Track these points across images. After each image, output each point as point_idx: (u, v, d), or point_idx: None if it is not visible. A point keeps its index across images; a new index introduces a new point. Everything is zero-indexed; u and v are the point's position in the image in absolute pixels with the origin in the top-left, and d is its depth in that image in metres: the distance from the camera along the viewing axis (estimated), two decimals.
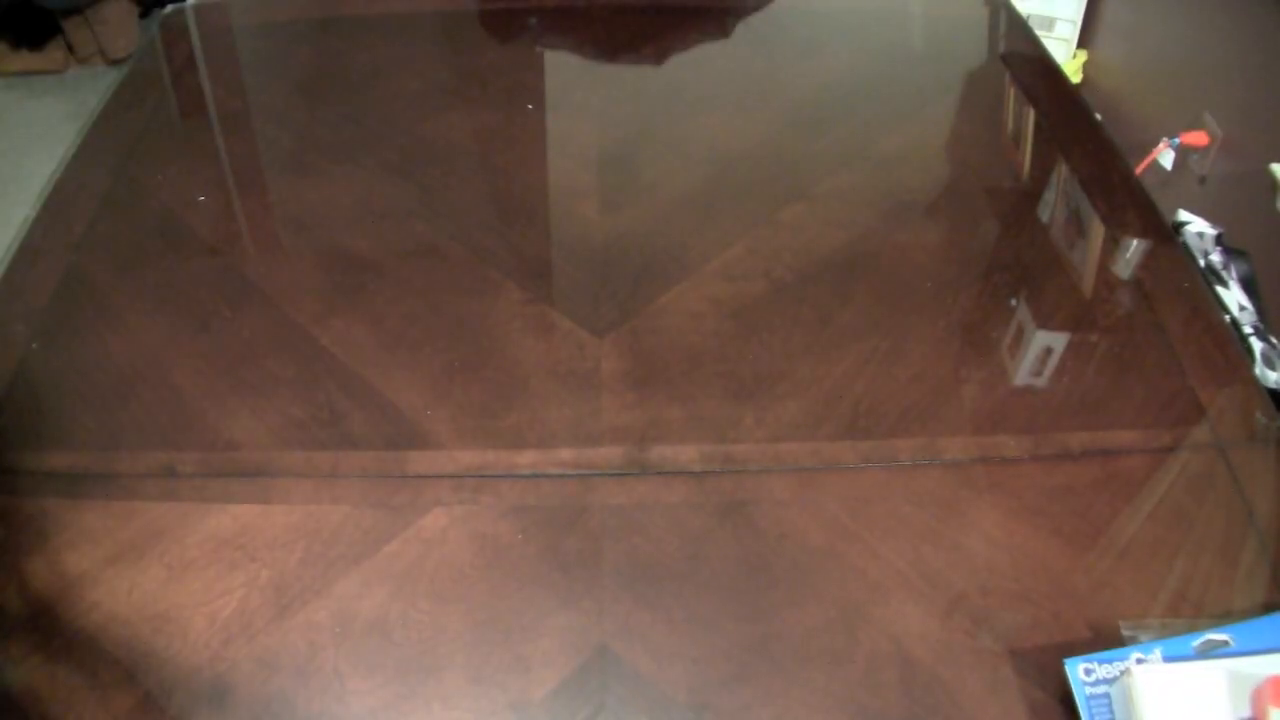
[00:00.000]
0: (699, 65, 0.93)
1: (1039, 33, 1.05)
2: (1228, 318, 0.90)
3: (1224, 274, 1.01)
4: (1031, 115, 0.89)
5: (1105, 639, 0.48)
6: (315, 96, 0.90)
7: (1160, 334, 0.66)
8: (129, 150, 0.82)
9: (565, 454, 0.55)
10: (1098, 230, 0.76)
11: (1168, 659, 0.45)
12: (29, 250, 0.71)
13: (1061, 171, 0.82)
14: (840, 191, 0.77)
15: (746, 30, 0.97)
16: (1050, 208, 0.79)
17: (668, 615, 0.48)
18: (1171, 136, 1.56)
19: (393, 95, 0.87)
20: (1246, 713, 0.41)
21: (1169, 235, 0.76)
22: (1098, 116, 0.89)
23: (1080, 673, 0.45)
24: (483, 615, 0.48)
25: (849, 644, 0.48)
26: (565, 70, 0.89)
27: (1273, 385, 0.90)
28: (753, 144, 0.82)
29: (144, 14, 2.17)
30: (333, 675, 0.47)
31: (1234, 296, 0.99)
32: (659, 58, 0.93)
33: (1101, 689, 0.45)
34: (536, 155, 0.78)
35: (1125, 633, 0.48)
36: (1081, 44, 1.90)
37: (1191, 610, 0.50)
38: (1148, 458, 0.58)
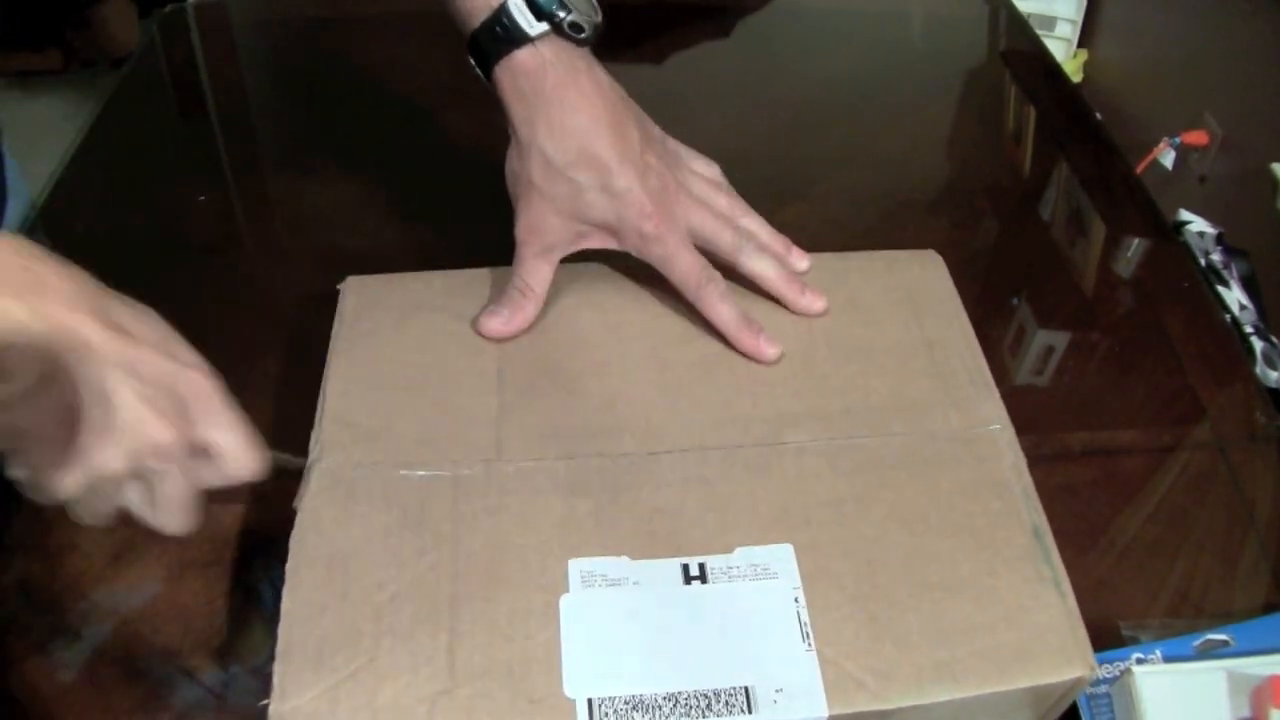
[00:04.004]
0: (699, 65, 0.93)
1: (1039, 32, 1.05)
2: (1228, 317, 0.90)
3: (1225, 273, 1.01)
4: (1032, 114, 0.89)
5: (1105, 639, 0.48)
6: (315, 96, 0.90)
7: (1161, 333, 0.66)
8: (129, 150, 0.82)
9: None
10: (1098, 229, 0.76)
11: (1168, 659, 0.45)
12: None
13: (1062, 171, 0.82)
14: (840, 191, 0.77)
15: (746, 30, 0.97)
16: (1050, 207, 0.79)
17: None
18: (1172, 136, 1.56)
19: (393, 95, 0.87)
20: (1247, 713, 0.41)
21: (1169, 234, 0.76)
22: (1098, 116, 0.89)
23: None
24: None
25: None
26: None
27: (1273, 385, 0.90)
28: (753, 144, 0.82)
29: (144, 14, 2.17)
30: None
31: (1235, 296, 0.99)
32: (659, 57, 0.93)
33: (1102, 689, 0.45)
34: None
35: (1125, 633, 0.48)
36: (1082, 43, 1.91)
37: (1192, 610, 0.50)
38: (1148, 457, 0.58)
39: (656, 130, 0.55)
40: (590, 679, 0.39)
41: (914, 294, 0.56)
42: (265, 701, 0.38)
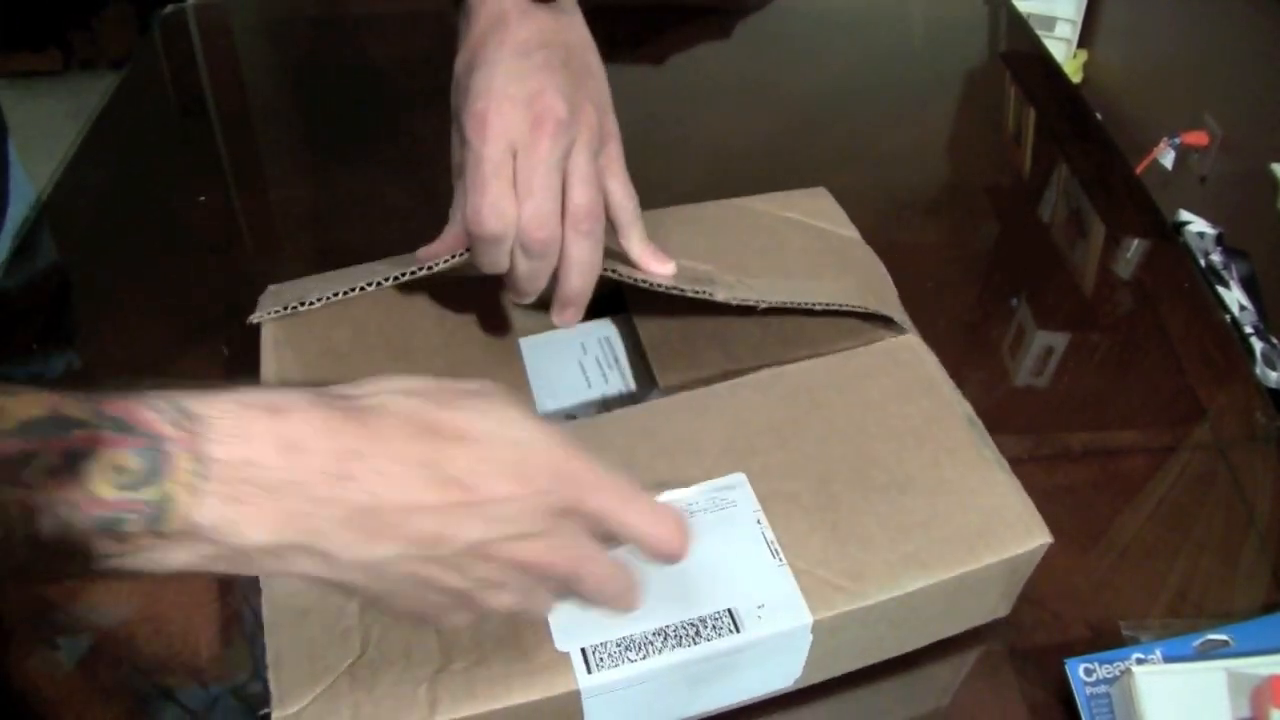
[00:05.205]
0: (699, 65, 0.93)
1: (1039, 32, 1.05)
2: (1228, 318, 0.90)
3: (1224, 274, 1.01)
4: (1032, 115, 0.89)
5: (1106, 639, 0.48)
6: (315, 96, 0.90)
7: (1160, 334, 0.66)
8: (129, 150, 0.82)
9: None
10: (1098, 230, 0.76)
11: (1168, 659, 0.45)
12: (28, 250, 0.71)
13: (1062, 171, 0.82)
14: (840, 191, 0.77)
15: (746, 30, 0.97)
16: (1050, 207, 0.79)
17: None
18: (1172, 136, 1.56)
19: (393, 95, 0.87)
20: (1247, 713, 0.41)
21: (1169, 235, 0.76)
22: (1098, 116, 0.89)
23: (1081, 673, 0.45)
24: None
25: None
26: None
27: (1273, 385, 0.90)
28: (753, 144, 0.82)
29: (144, 14, 2.17)
30: None
31: (1234, 296, 0.99)
32: (659, 57, 0.93)
33: (1102, 689, 0.45)
34: None
35: (1126, 633, 0.48)
36: (1082, 43, 1.90)
37: (1192, 610, 0.50)
38: (1148, 457, 0.58)
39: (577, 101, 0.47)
40: (579, 631, 0.40)
41: (813, 216, 0.60)
42: (265, 711, 0.38)
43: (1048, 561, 0.44)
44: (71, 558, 0.30)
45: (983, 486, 0.45)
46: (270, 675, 0.38)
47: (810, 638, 0.41)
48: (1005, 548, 0.43)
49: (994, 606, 0.47)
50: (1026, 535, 0.43)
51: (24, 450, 0.28)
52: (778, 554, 0.42)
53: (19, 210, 0.72)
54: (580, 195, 0.47)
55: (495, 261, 0.47)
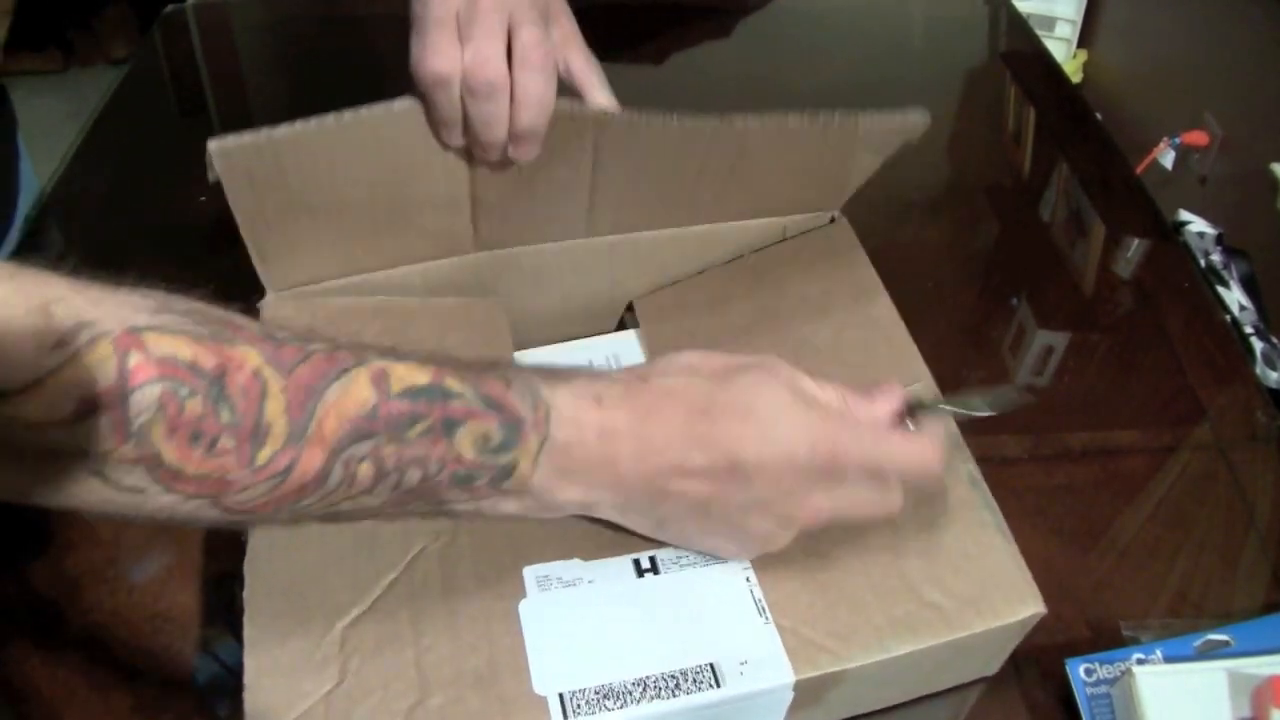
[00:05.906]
0: (699, 65, 0.93)
1: (1039, 32, 1.05)
2: (1228, 317, 0.90)
3: (1224, 274, 1.01)
4: (1032, 115, 0.89)
5: (1106, 639, 0.48)
6: (315, 96, 0.89)
7: (1160, 334, 0.66)
8: (129, 150, 0.82)
9: None
10: (1098, 230, 0.76)
11: (1169, 659, 0.45)
12: (29, 250, 0.71)
13: (1062, 171, 0.82)
14: None
15: (746, 30, 0.97)
16: (1050, 207, 0.79)
17: None
18: (1172, 136, 1.56)
19: (394, 95, 0.87)
20: (1247, 713, 0.41)
21: (1169, 235, 0.76)
22: (1098, 116, 0.89)
23: (1081, 673, 0.45)
24: None
25: None
26: None
27: (1273, 385, 0.90)
28: None
29: (143, 15, 2.17)
30: None
31: (1234, 296, 0.99)
32: (659, 57, 0.93)
33: (1102, 689, 0.45)
34: None
35: (1126, 633, 0.48)
36: (1082, 43, 1.90)
37: (1192, 610, 0.50)
38: (1148, 457, 0.58)
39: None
40: (558, 675, 0.39)
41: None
42: None
43: (1048, 561, 0.44)
44: (421, 501, 0.36)
45: (979, 552, 0.44)
46: (246, 696, 0.38)
47: (792, 695, 0.41)
48: (997, 616, 0.42)
49: (981, 667, 0.46)
50: (1020, 604, 0.42)
51: (410, 412, 0.34)
52: (764, 612, 0.42)
53: (28, 202, 0.72)
54: (526, 35, 0.47)
55: (447, 112, 0.48)
